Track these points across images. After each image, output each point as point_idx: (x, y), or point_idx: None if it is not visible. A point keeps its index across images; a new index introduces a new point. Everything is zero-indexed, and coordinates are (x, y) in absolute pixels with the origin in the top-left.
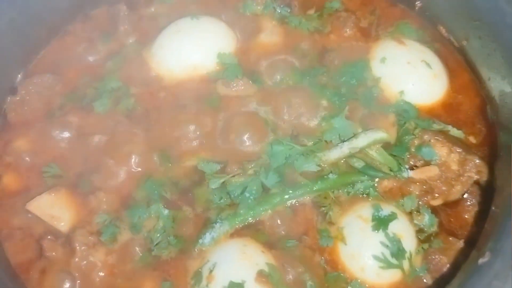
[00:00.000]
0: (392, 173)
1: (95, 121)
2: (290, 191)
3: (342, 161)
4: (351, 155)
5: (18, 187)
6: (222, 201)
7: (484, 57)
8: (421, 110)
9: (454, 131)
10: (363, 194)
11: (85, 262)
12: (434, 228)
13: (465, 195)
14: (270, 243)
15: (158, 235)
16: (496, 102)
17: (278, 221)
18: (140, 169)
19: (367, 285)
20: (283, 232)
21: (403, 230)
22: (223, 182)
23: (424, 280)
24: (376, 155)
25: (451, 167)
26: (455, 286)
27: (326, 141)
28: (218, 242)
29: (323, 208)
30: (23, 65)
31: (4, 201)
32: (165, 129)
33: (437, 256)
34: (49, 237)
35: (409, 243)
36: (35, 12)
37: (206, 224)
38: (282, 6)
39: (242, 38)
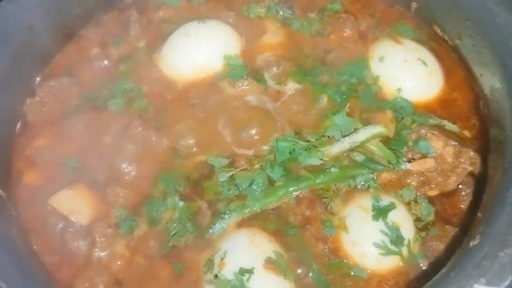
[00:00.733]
0: (391, 166)
1: (109, 120)
2: (294, 184)
3: (344, 155)
4: (352, 149)
5: (39, 183)
6: (230, 192)
7: (475, 55)
8: (417, 106)
9: (450, 126)
10: (363, 186)
11: (104, 253)
12: (431, 217)
13: (460, 186)
14: (276, 232)
15: (175, 225)
16: (487, 97)
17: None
18: (153, 165)
19: (368, 271)
20: (288, 222)
21: (402, 219)
22: (232, 176)
23: (422, 266)
24: (376, 149)
25: (446, 159)
26: (448, 267)
27: (328, 136)
28: (227, 231)
29: (325, 200)
30: (41, 69)
31: (27, 196)
32: (176, 127)
33: (434, 243)
34: (70, 229)
35: (408, 231)
36: (51, 18)
37: (216, 215)
38: (284, 9)
39: (247, 40)
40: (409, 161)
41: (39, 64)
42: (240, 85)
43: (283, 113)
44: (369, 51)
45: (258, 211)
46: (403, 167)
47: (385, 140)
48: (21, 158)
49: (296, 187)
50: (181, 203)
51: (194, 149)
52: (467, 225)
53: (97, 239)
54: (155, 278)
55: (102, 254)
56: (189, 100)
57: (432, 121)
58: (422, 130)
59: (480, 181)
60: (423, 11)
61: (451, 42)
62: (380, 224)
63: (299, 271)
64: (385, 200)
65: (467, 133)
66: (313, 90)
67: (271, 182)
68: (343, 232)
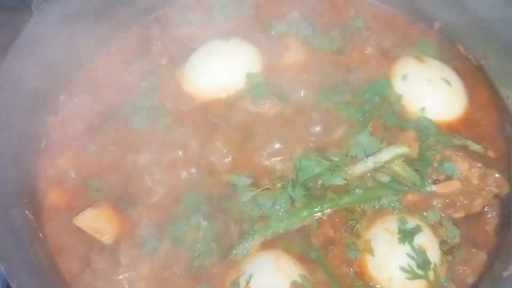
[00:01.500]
0: (416, 187)
1: (134, 138)
2: (318, 205)
3: (368, 176)
4: (376, 170)
5: (64, 202)
6: (253, 212)
7: (503, 77)
8: (441, 126)
9: (474, 146)
10: (388, 207)
11: (129, 273)
12: (457, 240)
13: (486, 208)
14: (300, 254)
15: (199, 245)
16: None
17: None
18: (177, 184)
19: None
20: (311, 243)
21: (428, 242)
22: (254, 195)
23: None
24: (400, 169)
25: (472, 181)
26: None
27: (351, 156)
28: (251, 252)
29: (351, 222)
30: (64, 87)
31: (52, 216)
32: (199, 145)
33: (460, 267)
34: (95, 249)
35: (434, 254)
36: (77, 36)
37: (240, 235)
38: (306, 26)
39: (269, 58)
40: (434, 182)
41: (62, 83)
42: (262, 103)
43: (305, 132)
44: (391, 69)
45: (282, 232)
46: (428, 189)
47: (409, 161)
48: (46, 178)
49: (320, 208)
50: (205, 223)
51: (218, 167)
52: (494, 249)
53: (122, 259)
54: None
55: (127, 274)
56: (212, 118)
57: (456, 141)
58: (447, 151)
59: (507, 203)
60: (446, 30)
61: (475, 62)
62: (406, 247)
63: None
64: (411, 222)
65: (492, 154)
66: (336, 109)
67: (294, 202)
68: (369, 255)
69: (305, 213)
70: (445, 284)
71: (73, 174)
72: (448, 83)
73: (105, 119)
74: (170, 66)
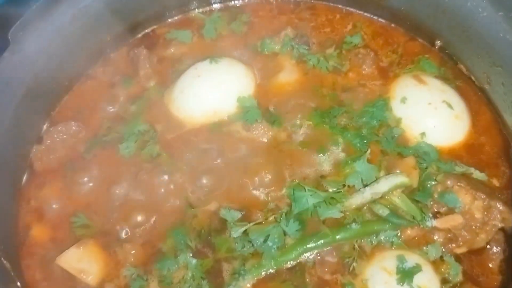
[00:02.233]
0: (415, 222)
1: (119, 168)
2: (313, 241)
3: (365, 207)
4: (374, 201)
5: (47, 238)
6: (245, 249)
7: (508, 104)
8: (442, 152)
9: (477, 174)
10: (386, 243)
11: None
12: (459, 278)
13: (490, 243)
14: None
15: (188, 285)
16: None
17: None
18: (164, 219)
19: None
20: (305, 282)
21: (428, 281)
22: (245, 231)
23: None
24: (399, 201)
25: (475, 215)
26: None
27: (348, 186)
28: None
29: (347, 260)
30: (48, 114)
31: (34, 252)
32: (188, 174)
33: None
34: None
35: None
36: (56, 65)
37: (231, 274)
38: (300, 44)
39: (261, 78)
40: (435, 215)
41: (45, 110)
42: (254, 129)
43: (299, 159)
44: (390, 90)
45: (274, 271)
46: (429, 224)
47: (409, 191)
48: (29, 210)
49: (314, 245)
50: (194, 261)
51: (206, 198)
52: (499, 287)
53: None
54: None
55: None
56: (202, 145)
57: (458, 169)
58: (448, 181)
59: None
60: (448, 49)
61: (478, 83)
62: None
63: None
64: (410, 260)
65: (495, 182)
66: (331, 133)
67: (287, 236)
68: None
69: (299, 251)
70: None
71: (57, 207)
72: (450, 106)
73: (90, 147)
74: (158, 88)
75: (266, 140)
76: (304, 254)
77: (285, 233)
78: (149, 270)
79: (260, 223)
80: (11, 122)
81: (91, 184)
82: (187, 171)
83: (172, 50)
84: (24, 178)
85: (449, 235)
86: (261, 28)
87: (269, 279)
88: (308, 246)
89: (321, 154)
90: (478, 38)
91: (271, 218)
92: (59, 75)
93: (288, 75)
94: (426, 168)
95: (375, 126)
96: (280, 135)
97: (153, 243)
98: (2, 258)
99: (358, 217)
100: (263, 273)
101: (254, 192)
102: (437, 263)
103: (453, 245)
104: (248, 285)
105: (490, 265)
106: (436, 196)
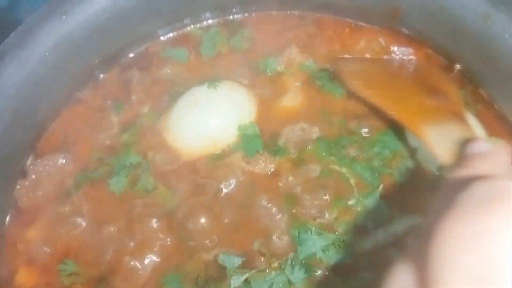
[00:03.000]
0: None
1: (110, 206)
2: None
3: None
4: (388, 245)
5: (33, 285)
6: None
7: None
8: None
9: None
10: None
11: None
12: None
13: None
14: None
15: None
16: None
17: None
18: (159, 265)
19: None
20: None
21: None
22: (246, 279)
23: None
24: None
25: None
26: None
27: (359, 226)
28: None
29: None
30: (33, 146)
31: None
32: (184, 214)
33: None
34: None
35: None
36: (43, 90)
37: None
38: (306, 63)
39: (264, 102)
40: None
41: (30, 142)
42: (255, 162)
43: (303, 195)
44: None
45: None
46: None
47: None
48: (13, 254)
49: None
50: None
51: (205, 242)
52: None
53: None
54: None
55: None
56: (199, 180)
57: None
58: None
59: None
60: (468, 73)
61: (500, 111)
62: None
63: None
64: None
65: None
66: (340, 165)
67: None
68: None
69: None
70: None
71: (43, 249)
72: None
73: (79, 182)
74: (152, 115)
75: (268, 173)
76: None
77: (290, 282)
78: None
79: (263, 270)
80: None
81: (79, 225)
82: (182, 210)
83: (168, 71)
84: (8, 218)
85: None
86: (263, 45)
87: None
88: None
89: (327, 191)
90: (503, 66)
91: (275, 264)
92: (44, 104)
93: (292, 99)
94: None
95: (388, 157)
96: (284, 166)
97: None
98: None
99: (369, 264)
100: None
101: (256, 236)
102: None
103: None
104: None
105: None
106: None
